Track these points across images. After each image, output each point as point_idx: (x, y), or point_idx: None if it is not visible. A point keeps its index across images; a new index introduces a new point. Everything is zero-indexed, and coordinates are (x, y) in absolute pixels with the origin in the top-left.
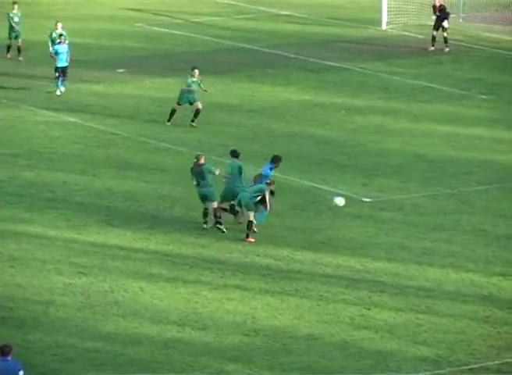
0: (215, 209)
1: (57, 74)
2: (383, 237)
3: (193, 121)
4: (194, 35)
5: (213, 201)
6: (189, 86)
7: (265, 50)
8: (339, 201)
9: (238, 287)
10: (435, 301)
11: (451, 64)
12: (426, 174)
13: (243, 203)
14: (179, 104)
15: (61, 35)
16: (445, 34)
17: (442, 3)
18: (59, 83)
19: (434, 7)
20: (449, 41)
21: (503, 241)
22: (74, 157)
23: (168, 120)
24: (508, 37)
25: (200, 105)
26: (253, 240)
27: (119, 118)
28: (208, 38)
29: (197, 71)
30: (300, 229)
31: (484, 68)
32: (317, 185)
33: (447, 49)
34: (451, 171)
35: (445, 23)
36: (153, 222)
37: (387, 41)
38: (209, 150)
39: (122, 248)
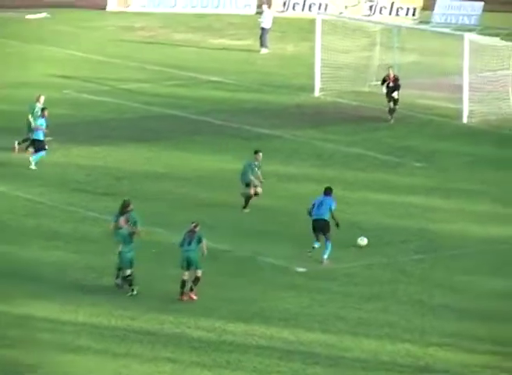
0: None
1: (37, 147)
2: (317, 308)
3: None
4: (123, 102)
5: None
6: (254, 169)
7: (194, 117)
8: (362, 240)
9: (169, 359)
10: (371, 373)
11: (385, 131)
12: None
13: (193, 262)
14: (247, 185)
15: (44, 109)
16: (391, 105)
17: (396, 73)
18: (35, 156)
19: (386, 77)
20: (382, 107)
21: (439, 310)
22: (2, 227)
23: (244, 207)
24: (441, 104)
25: (260, 190)
26: (195, 297)
27: (47, 187)
28: (137, 105)
29: (261, 154)
30: (233, 299)
31: (418, 135)
32: (249, 255)
33: (392, 121)
34: (387, 239)
35: (395, 94)
36: (81, 292)
37: (320, 108)
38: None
39: (49, 321)
